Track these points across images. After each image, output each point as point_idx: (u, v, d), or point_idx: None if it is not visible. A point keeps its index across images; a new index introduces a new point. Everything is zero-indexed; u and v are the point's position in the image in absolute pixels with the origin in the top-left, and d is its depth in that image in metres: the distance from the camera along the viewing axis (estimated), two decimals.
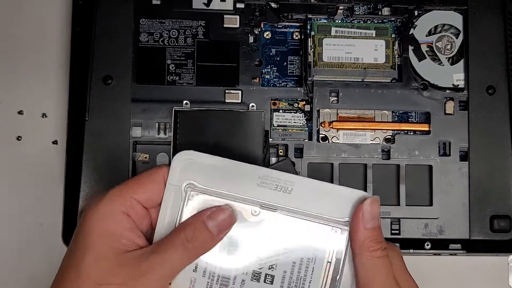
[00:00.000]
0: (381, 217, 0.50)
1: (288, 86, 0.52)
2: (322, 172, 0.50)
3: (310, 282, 0.39)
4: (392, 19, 0.52)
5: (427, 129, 0.51)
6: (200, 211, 0.39)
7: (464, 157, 0.51)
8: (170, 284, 0.38)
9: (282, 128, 0.51)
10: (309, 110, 0.51)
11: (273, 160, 0.51)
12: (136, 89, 0.50)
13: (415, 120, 0.52)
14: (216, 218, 0.38)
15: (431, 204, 0.51)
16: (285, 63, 0.52)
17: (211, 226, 0.38)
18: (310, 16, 0.51)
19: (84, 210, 0.39)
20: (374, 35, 0.52)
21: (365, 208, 0.38)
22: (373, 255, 0.38)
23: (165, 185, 0.39)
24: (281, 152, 0.51)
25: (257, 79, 0.51)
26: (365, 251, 0.38)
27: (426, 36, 0.53)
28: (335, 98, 0.51)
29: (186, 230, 0.38)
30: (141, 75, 0.50)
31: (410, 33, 0.52)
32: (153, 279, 0.36)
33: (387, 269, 0.38)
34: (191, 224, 0.38)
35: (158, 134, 0.50)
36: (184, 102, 0.50)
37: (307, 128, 0.51)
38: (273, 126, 0.51)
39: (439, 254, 0.51)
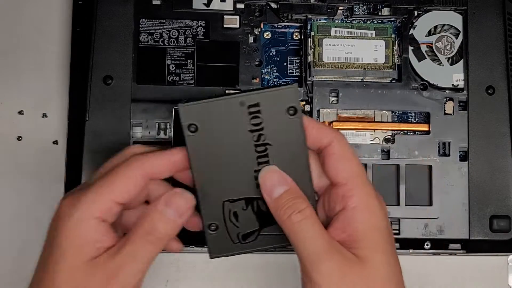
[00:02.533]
0: None
1: None
2: None
3: None
4: (392, 19, 0.52)
5: (426, 129, 0.51)
6: (157, 197, 0.38)
7: (463, 157, 0.51)
8: None
9: None
10: (309, 110, 0.51)
11: None
12: (136, 89, 0.50)
13: (415, 120, 0.52)
14: (173, 205, 0.37)
15: (430, 204, 0.51)
16: (285, 63, 0.52)
17: (170, 214, 0.37)
18: (310, 16, 0.51)
19: (58, 210, 0.37)
20: (374, 35, 0.52)
21: (261, 181, 0.38)
22: (291, 222, 0.36)
23: (143, 179, 0.37)
24: None
25: (257, 79, 0.51)
26: (283, 221, 0.37)
27: (426, 36, 0.53)
28: (335, 98, 0.51)
29: (144, 223, 0.37)
30: (141, 75, 0.50)
31: (409, 33, 0.52)
32: (124, 279, 0.36)
33: (311, 231, 0.36)
34: (148, 216, 0.37)
35: (159, 134, 0.50)
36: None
37: None
38: None
39: (439, 254, 0.51)
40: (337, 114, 0.51)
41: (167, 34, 0.51)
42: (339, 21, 0.52)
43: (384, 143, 0.51)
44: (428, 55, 0.52)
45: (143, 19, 0.51)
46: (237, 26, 0.52)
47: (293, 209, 0.37)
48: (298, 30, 0.52)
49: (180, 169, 0.39)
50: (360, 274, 0.36)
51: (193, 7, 0.51)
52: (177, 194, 0.38)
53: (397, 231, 0.50)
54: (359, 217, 0.37)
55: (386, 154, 0.51)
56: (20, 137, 0.52)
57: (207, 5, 0.52)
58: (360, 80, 0.51)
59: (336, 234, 0.37)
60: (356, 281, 0.36)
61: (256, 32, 0.52)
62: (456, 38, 0.53)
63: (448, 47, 0.53)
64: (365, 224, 0.37)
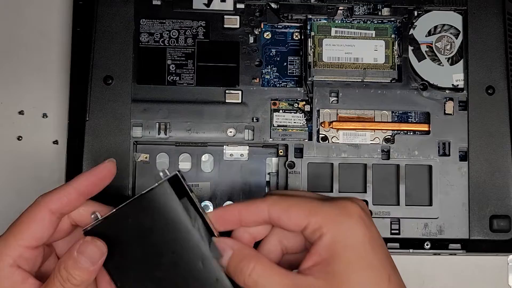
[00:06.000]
0: (382, 217, 0.50)
1: (288, 86, 0.52)
2: (322, 172, 0.50)
3: None
4: (392, 19, 0.52)
5: (426, 129, 0.51)
6: (72, 245, 0.38)
7: (463, 157, 0.51)
8: None
9: (282, 128, 0.51)
10: (309, 110, 0.51)
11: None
12: (137, 89, 0.50)
13: (415, 120, 0.52)
14: (85, 253, 0.37)
15: (430, 204, 0.51)
16: (285, 63, 0.52)
17: (83, 261, 0.37)
18: (310, 16, 0.51)
19: None
20: (374, 35, 0.52)
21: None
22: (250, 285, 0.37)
23: (52, 217, 0.38)
24: (281, 152, 0.51)
25: (257, 79, 0.51)
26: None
27: (426, 36, 0.53)
28: (335, 98, 0.51)
29: (60, 270, 0.37)
30: (142, 75, 0.50)
31: (410, 33, 0.52)
32: None
33: (270, 283, 0.36)
34: (63, 263, 0.37)
35: (159, 134, 0.50)
36: (93, 215, 0.40)
37: (307, 128, 0.51)
38: (273, 126, 0.51)
39: (439, 254, 0.51)
40: (337, 114, 0.51)
41: (167, 34, 0.51)
42: (339, 21, 0.52)
43: (384, 143, 0.51)
44: (428, 55, 0.52)
45: (143, 20, 0.51)
46: (237, 26, 0.52)
47: (242, 273, 0.37)
48: (298, 30, 0.52)
49: (89, 195, 0.39)
50: None
51: (193, 7, 0.52)
52: (89, 242, 0.38)
53: (397, 231, 0.50)
54: (326, 237, 0.36)
55: (386, 154, 0.51)
56: (20, 137, 0.52)
57: (207, 5, 0.52)
58: (360, 80, 0.51)
59: (313, 260, 0.37)
60: None
61: (256, 32, 0.52)
62: (456, 38, 0.53)
63: (448, 47, 0.53)
64: (332, 243, 0.36)
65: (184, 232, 0.39)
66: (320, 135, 0.51)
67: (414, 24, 0.52)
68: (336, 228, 0.36)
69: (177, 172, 0.39)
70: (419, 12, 0.52)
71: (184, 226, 0.39)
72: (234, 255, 0.37)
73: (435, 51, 0.53)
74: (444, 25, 0.53)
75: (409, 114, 0.52)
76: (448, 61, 0.53)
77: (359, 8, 0.52)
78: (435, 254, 0.51)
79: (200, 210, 0.39)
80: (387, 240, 0.49)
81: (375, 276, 0.36)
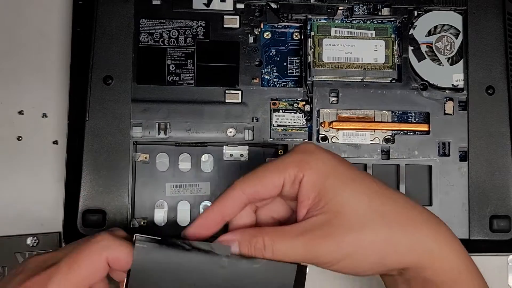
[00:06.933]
0: None
1: (288, 86, 0.52)
2: None
3: None
4: (391, 19, 0.52)
5: (426, 129, 0.51)
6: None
7: (463, 157, 0.51)
8: None
9: (282, 128, 0.51)
10: (309, 110, 0.51)
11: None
12: (136, 89, 0.50)
13: (415, 120, 0.52)
14: None
15: (430, 204, 0.51)
16: (285, 63, 0.52)
17: None
18: (310, 16, 0.51)
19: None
20: (373, 35, 0.52)
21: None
22: (269, 256, 0.38)
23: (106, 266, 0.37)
24: (280, 152, 0.51)
25: (257, 79, 0.51)
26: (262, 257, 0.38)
27: (426, 36, 0.53)
28: (335, 98, 0.51)
29: None
30: (141, 75, 0.50)
31: (409, 33, 0.52)
32: None
33: (287, 246, 0.38)
34: None
35: (158, 134, 0.50)
36: None
37: (307, 128, 0.51)
38: (273, 126, 0.51)
39: None
40: (337, 114, 0.51)
41: (167, 34, 0.51)
42: (339, 21, 0.52)
43: (384, 143, 0.51)
44: (428, 55, 0.52)
45: (143, 19, 0.51)
46: (237, 26, 0.52)
47: (259, 250, 0.37)
48: (298, 30, 0.52)
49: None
50: (345, 224, 0.37)
51: (193, 7, 0.52)
52: None
53: None
54: (305, 179, 0.38)
55: (386, 154, 0.51)
56: (20, 137, 0.52)
57: (207, 5, 0.52)
58: (360, 80, 0.51)
59: (305, 206, 0.38)
60: (347, 233, 0.37)
61: (256, 32, 0.52)
62: (456, 38, 0.53)
63: (448, 47, 0.53)
64: (312, 180, 0.38)
65: (188, 268, 0.37)
66: (320, 135, 0.51)
67: (414, 24, 0.52)
68: (308, 167, 0.38)
69: (136, 235, 0.37)
70: (419, 12, 0.52)
71: (183, 265, 0.37)
72: (241, 241, 0.38)
73: (435, 51, 0.53)
74: (444, 25, 0.53)
75: (409, 114, 0.52)
76: (448, 61, 0.53)
77: (359, 8, 0.52)
78: None
79: (186, 243, 0.38)
80: None
81: (363, 185, 0.38)
